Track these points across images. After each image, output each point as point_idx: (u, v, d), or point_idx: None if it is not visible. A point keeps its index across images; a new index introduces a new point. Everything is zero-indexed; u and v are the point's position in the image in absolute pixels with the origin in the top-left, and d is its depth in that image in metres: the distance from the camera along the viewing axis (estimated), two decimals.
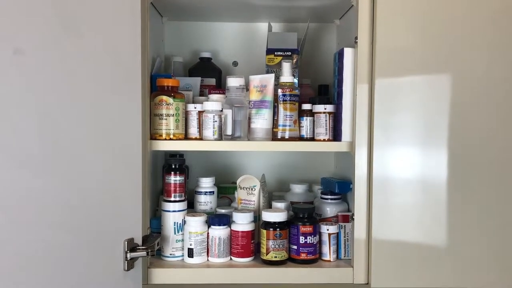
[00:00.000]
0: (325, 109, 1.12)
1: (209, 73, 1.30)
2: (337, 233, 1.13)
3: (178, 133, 1.09)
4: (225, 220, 1.10)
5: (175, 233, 1.10)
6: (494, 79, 1.03)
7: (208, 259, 1.10)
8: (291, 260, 1.10)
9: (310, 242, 1.09)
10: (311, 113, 1.14)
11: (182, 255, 1.11)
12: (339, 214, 1.15)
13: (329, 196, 1.18)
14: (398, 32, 1.02)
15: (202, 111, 1.11)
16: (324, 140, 1.12)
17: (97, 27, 0.89)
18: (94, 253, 0.90)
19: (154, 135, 1.08)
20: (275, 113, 1.11)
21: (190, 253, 1.09)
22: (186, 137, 1.12)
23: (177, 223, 1.10)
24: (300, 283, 1.08)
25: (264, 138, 1.10)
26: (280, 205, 1.15)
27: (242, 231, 1.09)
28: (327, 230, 1.11)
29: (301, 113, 1.14)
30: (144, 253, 0.95)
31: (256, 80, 1.11)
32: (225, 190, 1.31)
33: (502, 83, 1.03)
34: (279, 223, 1.08)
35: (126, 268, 0.94)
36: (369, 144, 1.05)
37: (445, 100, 1.03)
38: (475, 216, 1.04)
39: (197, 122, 1.12)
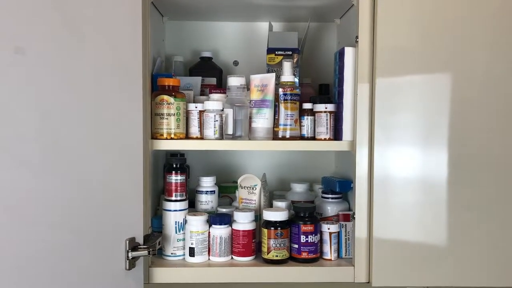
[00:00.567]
0: (326, 108, 1.12)
1: (210, 73, 1.30)
2: (338, 232, 1.13)
3: (179, 133, 1.09)
4: (226, 219, 1.11)
5: (176, 232, 1.10)
6: (495, 79, 1.03)
7: (209, 258, 1.11)
8: (292, 259, 1.10)
9: (311, 241, 1.09)
10: (312, 113, 1.14)
11: (183, 254, 1.11)
12: (340, 213, 1.15)
13: (330, 195, 1.18)
14: (398, 31, 1.02)
15: (203, 111, 1.11)
16: (325, 139, 1.13)
17: (98, 26, 0.89)
18: (95, 253, 0.90)
19: (155, 135, 1.08)
20: (276, 112, 1.11)
21: (191, 252, 1.09)
22: (187, 136, 1.12)
23: (178, 222, 1.11)
24: (301, 282, 1.08)
25: (265, 137, 1.10)
26: (281, 204, 1.15)
27: (243, 230, 1.09)
28: (328, 229, 1.12)
29: (302, 113, 1.14)
30: (145, 252, 0.95)
31: (257, 79, 1.11)
32: (226, 189, 1.31)
33: (503, 83, 1.03)
34: (280, 222, 1.09)
35: (127, 268, 0.94)
36: (370, 143, 1.05)
37: (445, 99, 1.03)
38: (476, 215, 1.04)
39: (198, 121, 1.12)
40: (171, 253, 1.11)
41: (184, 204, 1.12)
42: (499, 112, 1.03)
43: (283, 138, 1.11)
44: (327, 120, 1.12)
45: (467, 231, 1.04)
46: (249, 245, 1.10)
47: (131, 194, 0.96)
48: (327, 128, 1.12)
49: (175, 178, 1.11)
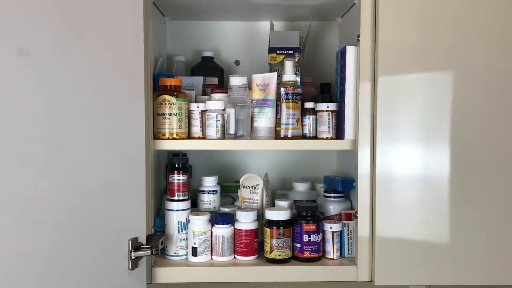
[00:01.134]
0: (327, 107, 1.12)
1: (211, 72, 1.30)
2: (341, 231, 1.13)
3: (181, 133, 1.09)
4: (229, 219, 1.11)
5: (179, 232, 1.10)
6: (497, 77, 1.02)
7: (212, 258, 1.11)
8: (295, 258, 1.10)
9: (314, 240, 1.09)
10: (313, 112, 1.14)
11: (186, 254, 1.11)
12: (343, 212, 1.15)
13: (332, 194, 1.18)
14: (400, 29, 1.02)
15: (205, 110, 1.11)
16: (327, 139, 1.13)
17: (99, 27, 0.89)
18: (98, 253, 0.90)
19: (157, 135, 1.08)
20: (277, 111, 1.11)
21: (194, 252, 1.09)
22: (189, 136, 1.12)
23: (181, 222, 1.11)
24: (304, 281, 1.08)
25: (267, 136, 1.10)
26: (284, 203, 1.15)
27: (246, 230, 1.09)
28: (331, 228, 1.12)
29: (304, 112, 1.14)
30: (148, 252, 0.95)
31: (258, 79, 1.11)
32: (228, 189, 1.31)
33: (505, 81, 1.02)
34: (283, 221, 1.09)
35: (130, 267, 0.94)
36: (372, 142, 1.05)
37: (448, 97, 1.03)
38: (478, 213, 1.04)
39: (200, 121, 1.12)
40: (174, 253, 1.11)
41: (186, 204, 1.12)
42: (501, 110, 1.03)
43: (285, 138, 1.11)
44: (329, 119, 1.12)
45: (469, 230, 1.04)
46: (252, 245, 1.10)
47: (133, 194, 0.96)
48: (329, 127, 1.12)
49: (178, 178, 1.11)
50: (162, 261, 1.10)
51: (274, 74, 1.10)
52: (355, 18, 1.09)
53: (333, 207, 1.17)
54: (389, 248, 1.04)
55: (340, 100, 1.13)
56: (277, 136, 1.11)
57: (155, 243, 0.98)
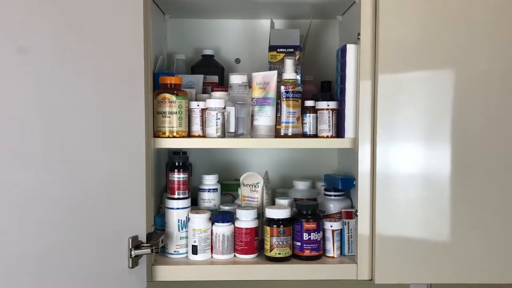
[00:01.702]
0: (328, 105, 1.12)
1: (212, 71, 1.30)
2: (341, 229, 1.13)
3: (181, 131, 1.09)
4: (229, 217, 1.11)
5: (179, 230, 1.11)
6: (498, 75, 1.02)
7: (212, 256, 1.11)
8: (295, 256, 1.10)
9: (314, 238, 1.09)
10: (314, 110, 1.14)
11: (186, 252, 1.11)
12: (343, 210, 1.15)
13: (333, 193, 1.18)
14: (401, 28, 1.02)
15: (205, 109, 1.11)
16: (327, 137, 1.12)
17: (100, 25, 0.89)
18: (98, 251, 0.90)
19: (157, 133, 1.08)
20: (278, 110, 1.11)
21: (194, 250, 1.09)
22: (189, 134, 1.12)
23: (181, 220, 1.11)
24: (304, 279, 1.08)
25: (267, 135, 1.10)
26: (284, 202, 1.15)
27: (246, 228, 1.09)
28: (331, 226, 1.12)
29: (304, 110, 1.14)
30: (148, 250, 0.95)
31: (258, 77, 1.11)
32: (228, 187, 1.31)
33: (506, 78, 1.02)
34: (283, 220, 1.09)
35: (130, 266, 0.94)
36: (373, 140, 1.04)
37: (448, 95, 1.02)
38: (479, 211, 1.04)
39: (200, 119, 1.12)
40: (174, 251, 1.11)
41: (186, 202, 1.12)
42: (502, 109, 1.03)
43: (285, 136, 1.11)
44: (329, 117, 1.12)
45: (470, 228, 1.04)
46: (252, 243, 1.10)
47: (133, 193, 0.96)
48: (329, 125, 1.12)
49: (178, 176, 1.11)
50: (162, 259, 1.10)
51: (275, 73, 1.10)
52: (356, 16, 1.08)
53: (334, 205, 1.17)
54: (390, 246, 1.04)
55: (340, 98, 1.13)
56: (277, 134, 1.11)
57: (155, 241, 0.98)
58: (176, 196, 1.11)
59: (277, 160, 1.40)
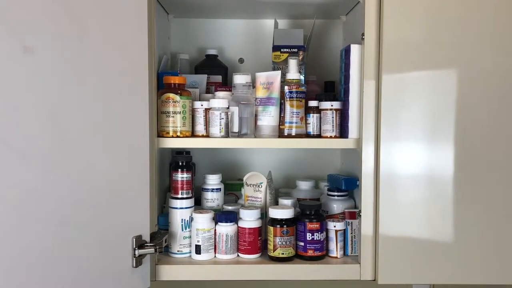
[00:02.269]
0: (331, 106, 1.12)
1: (215, 70, 1.30)
2: (344, 229, 1.13)
3: (185, 131, 1.09)
4: (232, 217, 1.11)
5: (182, 230, 1.11)
6: (502, 74, 1.02)
7: (215, 256, 1.11)
8: (298, 256, 1.10)
9: (317, 238, 1.09)
10: (317, 110, 1.14)
11: (190, 252, 1.11)
12: (346, 210, 1.15)
13: (336, 193, 1.18)
14: (405, 28, 1.02)
15: (209, 109, 1.11)
16: (330, 137, 1.12)
17: (104, 25, 0.89)
18: (102, 250, 0.90)
19: (161, 133, 1.09)
20: (281, 110, 1.11)
21: (198, 249, 1.09)
22: (193, 134, 1.12)
23: (185, 220, 1.11)
24: (307, 279, 1.08)
25: (271, 135, 1.10)
26: (287, 202, 1.15)
27: (249, 228, 1.09)
28: (334, 226, 1.12)
29: (308, 110, 1.14)
30: (152, 250, 0.96)
31: (262, 77, 1.11)
32: (232, 187, 1.31)
33: (510, 78, 1.02)
34: (286, 220, 1.09)
35: (134, 265, 0.94)
36: (376, 140, 1.04)
37: (452, 95, 1.02)
38: (482, 211, 1.03)
39: (204, 119, 1.12)
40: (178, 251, 1.11)
41: (190, 202, 1.12)
42: (506, 109, 1.02)
43: (289, 136, 1.11)
44: (333, 117, 1.12)
45: (473, 228, 1.04)
46: (255, 243, 1.10)
47: (137, 192, 0.96)
48: (333, 125, 1.12)
49: (181, 176, 1.11)
50: (166, 259, 1.10)
51: (278, 73, 1.10)
52: (360, 16, 1.08)
53: (337, 205, 1.17)
54: (393, 246, 1.04)
55: (344, 98, 1.13)
56: (280, 134, 1.11)
57: (159, 241, 0.98)
58: (179, 195, 1.11)
59: (280, 160, 1.40)
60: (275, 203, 1.19)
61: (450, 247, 1.04)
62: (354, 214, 1.13)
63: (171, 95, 1.07)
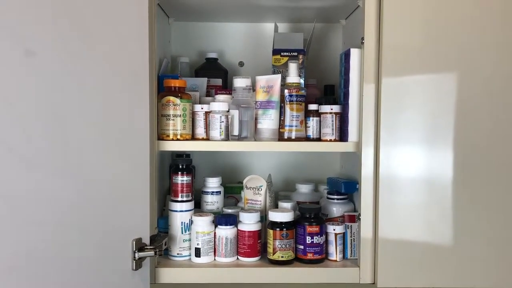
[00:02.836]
0: (331, 109, 1.12)
1: (215, 74, 1.31)
2: (344, 233, 1.13)
3: (185, 134, 1.10)
4: (232, 220, 1.11)
5: (182, 233, 1.11)
6: (501, 78, 1.02)
7: (215, 259, 1.11)
8: (298, 260, 1.10)
9: (317, 242, 1.09)
10: (317, 114, 1.14)
11: (189, 255, 1.11)
12: (346, 214, 1.15)
13: (336, 196, 1.18)
14: (404, 32, 1.02)
15: (209, 112, 1.11)
16: (330, 141, 1.13)
17: (105, 28, 0.90)
18: (102, 253, 0.90)
19: (161, 136, 1.09)
20: (281, 113, 1.11)
21: (197, 252, 1.09)
22: (193, 137, 1.12)
23: (184, 223, 1.11)
24: (306, 283, 1.08)
25: (271, 138, 1.10)
26: (287, 205, 1.15)
27: (249, 231, 1.10)
28: (334, 230, 1.12)
29: (308, 114, 1.14)
30: (152, 252, 0.96)
31: (262, 80, 1.11)
32: (232, 190, 1.31)
33: (509, 82, 1.02)
34: (286, 223, 1.09)
35: (134, 268, 0.94)
36: (376, 144, 1.05)
37: (452, 99, 1.03)
38: (482, 215, 1.04)
39: (204, 122, 1.12)
40: (177, 254, 1.11)
41: (190, 205, 1.12)
42: (506, 112, 1.03)
43: (289, 139, 1.11)
44: (332, 121, 1.12)
45: (473, 231, 1.04)
46: (255, 246, 1.10)
47: (137, 195, 0.97)
48: (332, 129, 1.12)
49: (181, 179, 1.11)
50: (166, 262, 1.10)
51: (278, 76, 1.10)
52: (359, 20, 1.09)
53: (336, 209, 1.17)
54: (392, 250, 1.04)
55: (344, 102, 1.13)
56: (280, 137, 1.11)
57: (158, 243, 0.98)
58: (179, 198, 1.11)
59: (280, 163, 1.40)
60: (275, 206, 1.19)
61: (449, 251, 1.04)
62: (353, 218, 1.13)
63: (172, 98, 1.08)
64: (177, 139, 1.09)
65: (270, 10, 1.26)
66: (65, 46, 0.84)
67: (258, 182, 1.17)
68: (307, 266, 1.09)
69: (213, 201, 1.18)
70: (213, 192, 1.18)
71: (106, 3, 0.90)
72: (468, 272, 1.04)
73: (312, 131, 1.14)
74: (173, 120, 1.08)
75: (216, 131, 1.10)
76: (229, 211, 1.16)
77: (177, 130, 1.08)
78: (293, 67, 1.13)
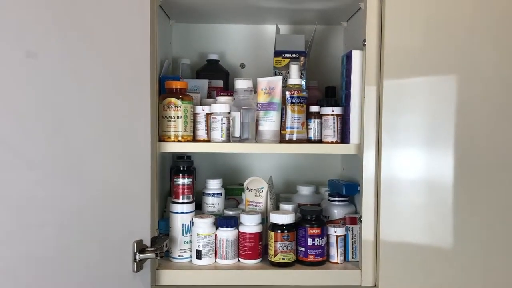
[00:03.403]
0: (333, 111, 1.12)
1: (217, 75, 1.31)
2: (345, 235, 1.13)
3: (187, 135, 1.10)
4: (233, 222, 1.11)
5: (183, 235, 1.11)
6: (502, 81, 1.02)
7: (216, 261, 1.11)
8: (299, 262, 1.10)
9: (318, 244, 1.09)
10: (319, 115, 1.14)
11: (190, 257, 1.11)
12: (347, 216, 1.15)
13: (337, 198, 1.18)
14: (406, 34, 1.02)
15: (210, 113, 1.11)
16: (332, 142, 1.13)
17: (106, 30, 0.90)
18: (103, 255, 0.90)
19: (162, 137, 1.09)
20: (283, 115, 1.11)
21: (198, 254, 1.09)
22: (194, 139, 1.12)
23: (185, 224, 1.11)
24: (307, 285, 1.08)
25: (272, 140, 1.10)
26: (288, 207, 1.15)
27: (250, 233, 1.09)
28: (335, 232, 1.11)
29: (309, 115, 1.14)
30: (152, 254, 0.95)
31: (264, 82, 1.11)
32: (233, 192, 1.31)
33: (509, 85, 1.02)
34: (287, 225, 1.09)
35: (135, 270, 0.94)
36: (377, 146, 1.05)
37: (453, 101, 1.03)
38: (483, 217, 1.03)
39: (205, 124, 1.12)
40: (178, 255, 1.11)
41: (191, 207, 1.12)
42: (506, 114, 1.03)
43: (290, 141, 1.11)
44: (334, 123, 1.12)
45: (474, 234, 1.03)
46: (256, 248, 1.10)
47: (138, 196, 0.96)
48: (334, 131, 1.12)
49: (182, 181, 1.11)
50: (166, 264, 1.10)
51: (280, 78, 1.10)
52: (361, 22, 1.09)
53: (338, 211, 1.17)
54: (394, 252, 1.04)
55: (345, 104, 1.13)
56: (282, 139, 1.11)
57: (159, 245, 0.98)
58: (180, 200, 1.11)
59: (281, 165, 1.40)
60: (276, 208, 1.19)
61: (450, 253, 1.04)
62: (355, 220, 1.13)
63: (173, 99, 1.08)
64: (178, 141, 1.09)
65: (272, 12, 1.26)
66: (66, 47, 0.84)
67: (259, 184, 1.16)
68: (308, 268, 1.08)
69: (214, 203, 1.18)
70: (214, 194, 1.18)
71: (108, 5, 0.90)
72: (469, 274, 1.04)
73: (313, 133, 1.14)
74: (174, 121, 1.08)
75: (217, 133, 1.10)
76: (230, 213, 1.16)
77: (178, 131, 1.08)
78: (294, 69, 1.13)
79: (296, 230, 1.10)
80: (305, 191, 1.25)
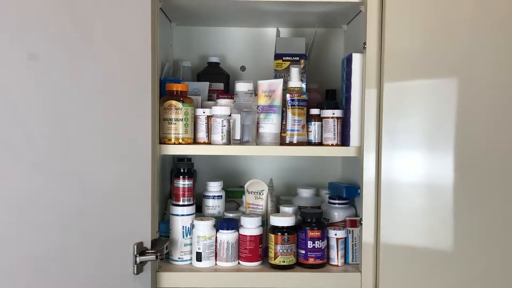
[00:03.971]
0: (333, 114, 1.13)
1: (217, 78, 1.31)
2: (345, 238, 1.13)
3: (187, 138, 1.10)
4: (233, 224, 1.11)
5: (183, 237, 1.11)
6: (502, 83, 1.03)
7: (216, 263, 1.11)
8: (299, 264, 1.10)
9: (318, 246, 1.09)
10: (319, 118, 1.14)
11: (191, 259, 1.11)
12: (347, 218, 1.15)
13: (337, 201, 1.18)
14: (406, 37, 1.02)
15: (211, 116, 1.12)
16: (332, 145, 1.13)
17: (108, 32, 0.90)
18: (104, 257, 0.90)
19: (163, 140, 1.09)
20: (283, 118, 1.11)
21: (199, 257, 1.09)
22: (194, 141, 1.12)
23: (186, 227, 1.11)
24: (308, 287, 1.08)
25: (272, 142, 1.10)
26: (288, 209, 1.15)
27: (250, 236, 1.09)
28: (335, 235, 1.11)
29: (309, 118, 1.14)
30: (153, 257, 0.95)
31: (264, 85, 1.11)
32: (233, 194, 1.31)
33: (509, 87, 1.03)
34: (287, 227, 1.09)
35: (135, 272, 0.94)
36: (377, 148, 1.05)
37: (453, 104, 1.03)
38: (483, 220, 1.03)
39: (206, 126, 1.12)
40: (178, 258, 1.11)
41: (191, 209, 1.12)
42: (506, 116, 1.03)
43: (290, 144, 1.11)
44: (334, 125, 1.12)
45: (474, 236, 1.03)
46: (256, 250, 1.10)
47: (139, 199, 0.96)
48: (334, 133, 1.12)
49: (183, 183, 1.11)
50: (167, 266, 1.10)
51: (280, 81, 1.11)
52: (361, 25, 1.09)
53: (338, 213, 1.17)
54: (394, 255, 1.04)
55: (345, 107, 1.13)
56: (282, 142, 1.11)
57: (160, 248, 0.98)
58: (181, 202, 1.11)
59: (281, 168, 1.40)
60: (276, 210, 1.19)
61: (450, 256, 1.04)
62: (355, 222, 1.13)
63: (174, 102, 1.08)
64: (179, 143, 1.09)
65: (272, 15, 1.26)
66: (68, 50, 0.84)
67: (260, 186, 1.16)
68: (308, 271, 1.08)
69: (214, 206, 1.18)
70: (214, 196, 1.18)
71: (109, 8, 0.90)
72: (469, 277, 1.04)
73: (313, 136, 1.14)
74: (175, 124, 1.08)
75: (218, 135, 1.10)
76: (231, 215, 1.16)
77: (179, 134, 1.08)
78: (295, 71, 1.13)
79: (297, 232, 1.10)
80: (305, 193, 1.25)
